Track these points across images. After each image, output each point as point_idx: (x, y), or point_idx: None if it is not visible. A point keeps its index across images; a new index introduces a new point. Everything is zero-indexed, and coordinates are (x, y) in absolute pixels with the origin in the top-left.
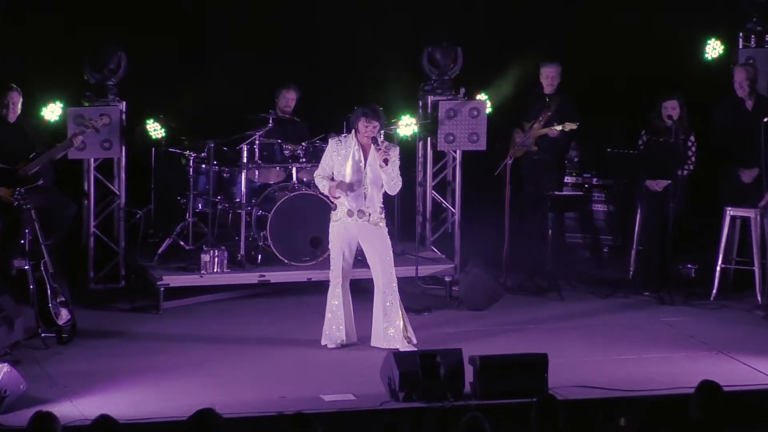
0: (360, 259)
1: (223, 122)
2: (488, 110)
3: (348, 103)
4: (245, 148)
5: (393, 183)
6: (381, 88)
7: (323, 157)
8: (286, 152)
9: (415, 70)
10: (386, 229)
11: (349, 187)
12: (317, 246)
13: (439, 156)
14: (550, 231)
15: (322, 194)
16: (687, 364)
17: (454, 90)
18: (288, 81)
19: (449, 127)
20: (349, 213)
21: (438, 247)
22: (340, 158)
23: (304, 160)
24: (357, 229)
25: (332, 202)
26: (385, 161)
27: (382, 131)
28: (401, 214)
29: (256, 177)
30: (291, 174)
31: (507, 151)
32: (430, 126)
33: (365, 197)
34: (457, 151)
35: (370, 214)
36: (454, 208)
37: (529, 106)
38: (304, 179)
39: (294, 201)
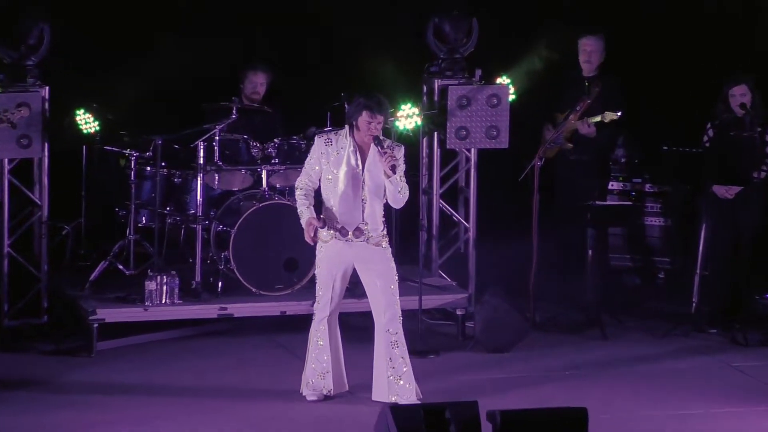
0: (349, 288)
1: (173, 113)
2: (511, 97)
3: (333, 88)
4: (201, 145)
5: (399, 194)
6: (375, 69)
7: (307, 160)
8: (254, 151)
9: (418, 47)
10: (389, 250)
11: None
12: (293, 270)
13: (448, 156)
14: (590, 251)
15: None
16: (765, 422)
17: (468, 72)
18: (256, 60)
19: (462, 118)
20: (343, 231)
21: (447, 271)
22: (331, 162)
23: (276, 160)
24: (353, 252)
25: (319, 218)
26: (393, 168)
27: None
28: (400, 230)
29: (216, 182)
30: (260, 179)
31: (535, 149)
32: (437, 118)
33: (363, 211)
34: (472, 150)
35: (369, 233)
36: (467, 221)
37: (564, 91)
38: (277, 185)
39: (264, 213)
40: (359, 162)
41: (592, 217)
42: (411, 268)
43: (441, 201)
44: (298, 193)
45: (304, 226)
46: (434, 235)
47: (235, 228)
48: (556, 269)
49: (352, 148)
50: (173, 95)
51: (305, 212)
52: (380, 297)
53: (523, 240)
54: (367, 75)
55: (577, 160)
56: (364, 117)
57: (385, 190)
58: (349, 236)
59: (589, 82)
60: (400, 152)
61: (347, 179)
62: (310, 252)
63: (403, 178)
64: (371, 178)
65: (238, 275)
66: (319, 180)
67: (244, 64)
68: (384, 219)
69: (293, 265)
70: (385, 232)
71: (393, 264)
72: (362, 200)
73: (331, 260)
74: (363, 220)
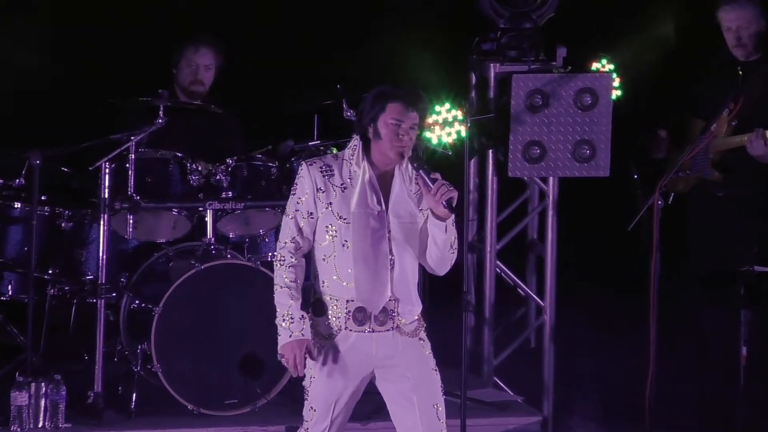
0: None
1: (60, 114)
2: (616, 94)
3: (326, 78)
4: (106, 168)
5: (450, 251)
6: (394, 48)
7: (291, 204)
8: (194, 178)
9: (462, 11)
10: (429, 346)
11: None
12: (255, 375)
13: (510, 188)
14: (744, 348)
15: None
16: None
17: (545, 51)
18: (199, 32)
19: (534, 128)
20: (357, 316)
21: (507, 377)
22: (334, 204)
23: (230, 194)
24: (373, 350)
25: (315, 297)
26: (449, 205)
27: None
28: (429, 308)
29: (130, 229)
30: (203, 223)
31: (654, 178)
32: (493, 126)
33: (390, 279)
34: (550, 181)
35: (401, 317)
36: (542, 297)
37: (705, 84)
38: (231, 235)
39: (207, 280)
40: (378, 196)
41: (749, 290)
42: (449, 371)
43: (499, 263)
44: (279, 269)
45: (282, 345)
46: (487, 318)
47: (161, 305)
48: (686, 375)
49: (368, 175)
50: (63, 86)
51: (291, 317)
52: (417, 422)
53: (630, 326)
54: (379, 58)
55: (728, 198)
56: (388, 114)
57: (427, 244)
58: (370, 324)
59: (744, 70)
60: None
61: (362, 228)
62: None
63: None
64: (400, 224)
65: (164, 382)
66: (311, 238)
67: (180, 37)
68: (420, 293)
69: (255, 366)
70: (420, 315)
71: (436, 368)
72: (390, 261)
73: (335, 368)
74: (392, 294)
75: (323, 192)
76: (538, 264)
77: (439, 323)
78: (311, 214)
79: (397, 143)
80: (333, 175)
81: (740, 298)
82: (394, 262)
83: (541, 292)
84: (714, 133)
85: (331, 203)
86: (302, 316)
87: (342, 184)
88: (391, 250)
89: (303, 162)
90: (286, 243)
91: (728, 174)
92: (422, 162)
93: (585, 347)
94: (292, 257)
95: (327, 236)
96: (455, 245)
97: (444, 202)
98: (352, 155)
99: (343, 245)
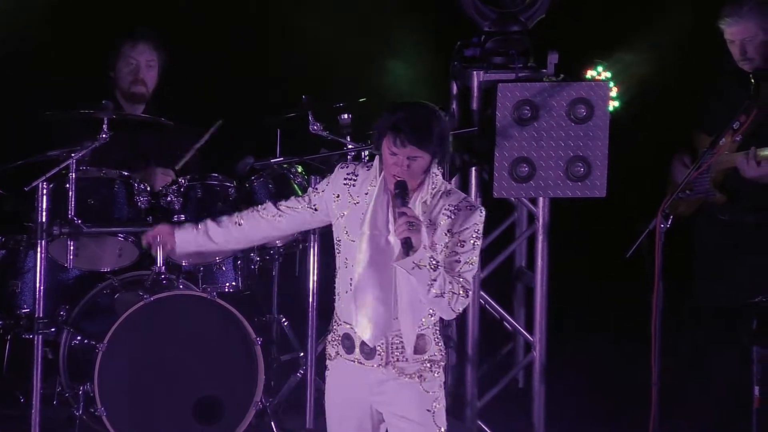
0: None
1: None
2: (613, 105)
3: (291, 87)
4: (43, 189)
5: (427, 296)
6: (366, 53)
7: (311, 189)
8: (141, 199)
9: (442, 11)
10: (442, 393)
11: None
12: (212, 419)
13: (496, 210)
14: (756, 387)
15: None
16: None
17: (535, 58)
18: (140, 26)
19: (522, 143)
20: (345, 342)
21: (492, 422)
22: (347, 215)
23: (182, 217)
24: (369, 386)
25: (189, 228)
26: (407, 243)
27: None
28: None
29: (71, 257)
30: (153, 250)
31: (656, 200)
32: (476, 141)
33: (391, 312)
34: (540, 202)
35: (404, 351)
36: (530, 331)
37: (713, 96)
38: (184, 263)
39: (157, 314)
40: (390, 222)
41: (761, 325)
42: None
43: (483, 293)
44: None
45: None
46: (470, 356)
47: (106, 341)
48: (693, 419)
49: (383, 194)
50: None
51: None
52: None
53: (629, 365)
54: (351, 63)
55: (735, 223)
56: (385, 144)
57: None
58: (355, 353)
59: (757, 79)
60: (469, 217)
61: (368, 251)
62: (244, 386)
63: (468, 267)
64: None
65: (109, 428)
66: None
67: (119, 32)
68: (437, 327)
69: (212, 410)
70: (441, 353)
71: (431, 409)
72: (394, 289)
73: (337, 394)
74: (396, 321)
75: (339, 200)
76: (526, 295)
77: None
78: (315, 207)
79: (393, 171)
80: (354, 183)
81: (752, 333)
82: (399, 293)
83: (530, 327)
84: (721, 149)
85: (343, 215)
86: (192, 227)
87: (357, 196)
88: (397, 280)
89: (341, 165)
90: (271, 204)
91: (733, 196)
92: (404, 191)
93: (579, 388)
94: (255, 210)
95: (336, 250)
96: (442, 291)
97: (401, 238)
98: (374, 169)
99: (345, 264)
